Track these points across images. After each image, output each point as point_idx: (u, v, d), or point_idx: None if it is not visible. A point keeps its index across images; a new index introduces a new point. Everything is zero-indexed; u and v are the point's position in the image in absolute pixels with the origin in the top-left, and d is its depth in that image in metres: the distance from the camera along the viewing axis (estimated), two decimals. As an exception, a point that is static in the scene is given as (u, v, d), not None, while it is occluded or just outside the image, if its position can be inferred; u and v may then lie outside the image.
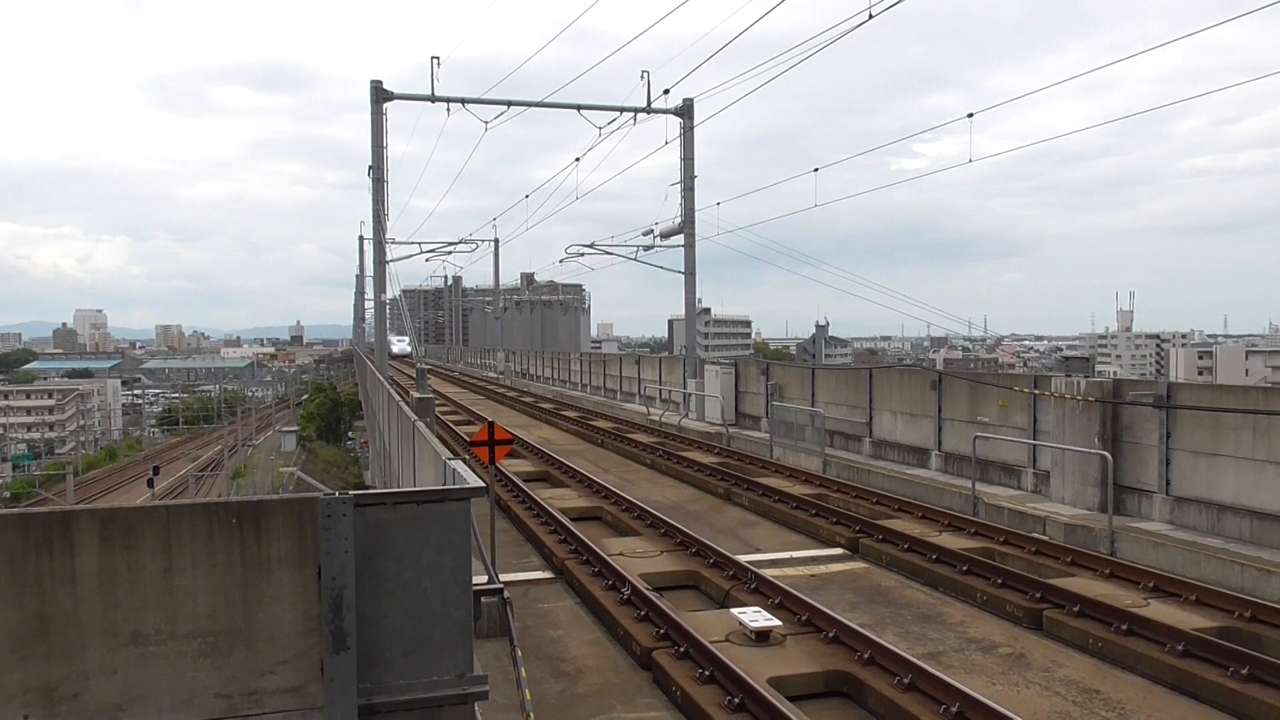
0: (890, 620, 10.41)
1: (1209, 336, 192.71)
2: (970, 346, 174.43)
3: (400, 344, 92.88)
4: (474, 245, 54.66)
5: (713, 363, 30.85)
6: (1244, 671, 8.08)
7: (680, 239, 30.51)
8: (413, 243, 51.51)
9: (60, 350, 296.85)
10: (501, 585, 6.01)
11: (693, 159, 29.72)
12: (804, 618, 9.97)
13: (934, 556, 12.39)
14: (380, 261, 32.77)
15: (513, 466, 21.32)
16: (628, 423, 31.34)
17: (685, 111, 29.59)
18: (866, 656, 8.75)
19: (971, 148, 21.65)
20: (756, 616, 9.63)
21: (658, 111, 28.83)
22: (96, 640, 3.83)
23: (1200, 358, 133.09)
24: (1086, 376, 15.69)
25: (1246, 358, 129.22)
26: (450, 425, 30.49)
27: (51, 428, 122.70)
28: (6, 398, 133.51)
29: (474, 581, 4.33)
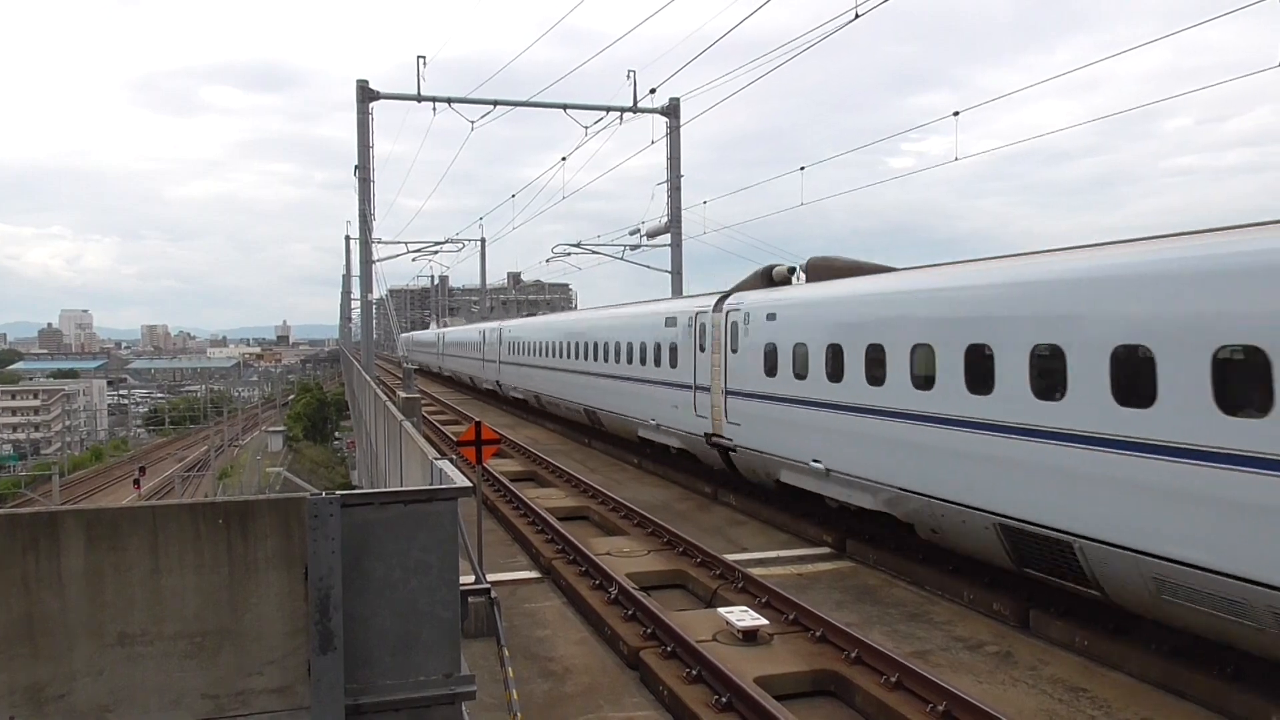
0: (877, 619, 10.45)
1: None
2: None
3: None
4: (460, 244, 54.54)
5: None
6: (1229, 670, 8.15)
7: (667, 238, 30.52)
8: (399, 242, 51.29)
9: (46, 351, 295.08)
10: (489, 585, 6.02)
11: (679, 158, 29.75)
12: (791, 617, 9.99)
13: (921, 555, 12.43)
14: (367, 261, 32.66)
15: (500, 466, 21.30)
16: (616, 422, 31.29)
17: (671, 111, 29.60)
18: (854, 655, 8.78)
19: (958, 146, 21.61)
20: (744, 616, 9.66)
21: (644, 111, 28.83)
22: (83, 641, 3.82)
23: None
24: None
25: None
26: (437, 425, 30.44)
27: (37, 428, 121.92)
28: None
29: (461, 581, 4.34)
